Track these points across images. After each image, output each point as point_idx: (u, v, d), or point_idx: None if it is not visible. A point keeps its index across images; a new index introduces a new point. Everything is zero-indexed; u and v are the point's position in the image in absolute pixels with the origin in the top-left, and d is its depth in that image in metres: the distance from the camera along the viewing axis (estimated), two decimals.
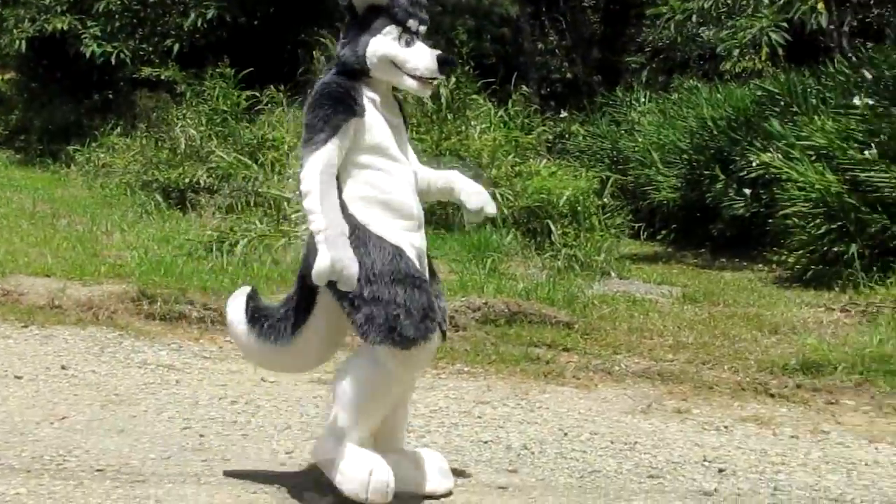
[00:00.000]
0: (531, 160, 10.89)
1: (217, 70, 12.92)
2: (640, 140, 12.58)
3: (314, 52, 12.33)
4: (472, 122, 10.99)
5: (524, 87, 13.60)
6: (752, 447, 4.41)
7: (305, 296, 3.51)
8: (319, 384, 5.16)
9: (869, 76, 9.46)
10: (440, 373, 5.53)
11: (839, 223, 8.08)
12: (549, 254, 8.77)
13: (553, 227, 9.11)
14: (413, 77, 3.42)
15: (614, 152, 13.05)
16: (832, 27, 11.30)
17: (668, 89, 14.70)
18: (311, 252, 3.36)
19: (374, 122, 3.43)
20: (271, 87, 13.10)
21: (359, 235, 3.33)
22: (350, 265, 3.23)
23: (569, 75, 18.70)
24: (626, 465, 4.07)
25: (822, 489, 3.89)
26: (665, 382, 5.44)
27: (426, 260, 3.54)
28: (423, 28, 3.47)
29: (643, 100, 14.25)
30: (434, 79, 3.46)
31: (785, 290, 8.03)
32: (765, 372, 5.58)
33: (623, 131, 13.38)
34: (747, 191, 9.99)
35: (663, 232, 11.52)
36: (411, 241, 3.44)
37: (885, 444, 4.50)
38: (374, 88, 3.47)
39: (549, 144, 13.32)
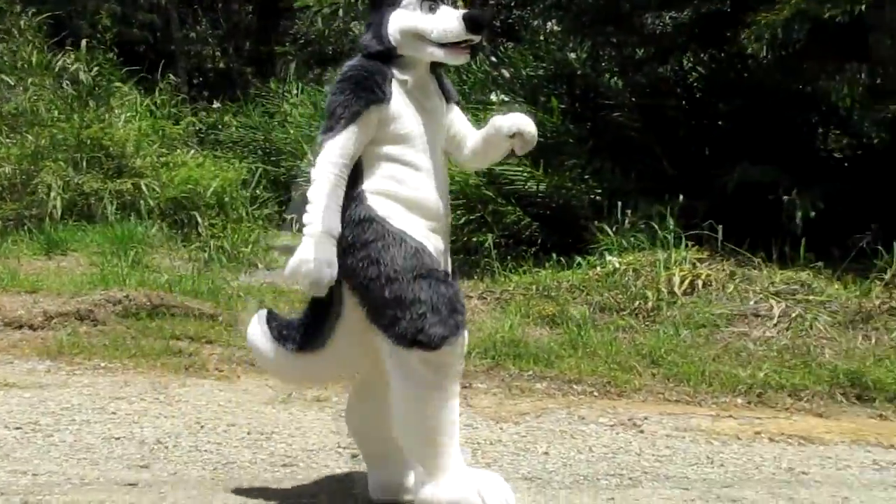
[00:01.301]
0: (178, 151, 10.71)
1: None
2: (291, 132, 12.59)
3: None
4: (116, 111, 10.68)
5: (173, 76, 13.36)
6: None
7: (335, 298, 3.19)
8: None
9: (507, 74, 9.90)
10: (75, 369, 5.36)
11: (478, 214, 8.39)
12: (196, 245, 8.65)
13: (200, 219, 8.98)
14: (441, 45, 3.12)
15: (267, 143, 12.98)
16: None
17: (321, 82, 14.81)
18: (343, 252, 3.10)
19: (403, 111, 3.15)
20: None
21: (377, 229, 3.07)
22: (318, 269, 2.98)
23: (221, 65, 18.52)
24: (261, 455, 4.07)
25: None
26: None
27: (449, 263, 3.30)
28: None
29: (296, 92, 14.28)
30: (466, 42, 3.13)
31: None
32: None
33: (276, 123, 13.35)
34: None
35: None
36: (434, 241, 3.18)
37: (511, 423, 4.74)
38: (406, 70, 3.19)
39: (201, 135, 13.14)
